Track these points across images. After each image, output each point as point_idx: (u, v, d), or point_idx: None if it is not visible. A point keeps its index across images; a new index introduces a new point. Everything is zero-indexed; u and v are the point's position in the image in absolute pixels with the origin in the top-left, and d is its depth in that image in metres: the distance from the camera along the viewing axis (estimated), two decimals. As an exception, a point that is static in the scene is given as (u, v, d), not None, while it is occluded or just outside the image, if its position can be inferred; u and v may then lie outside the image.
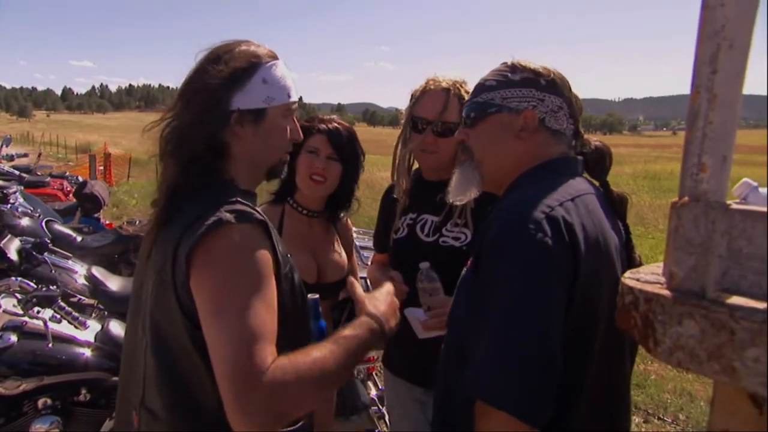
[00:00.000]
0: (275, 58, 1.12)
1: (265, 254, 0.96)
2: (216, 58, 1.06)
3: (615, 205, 1.09)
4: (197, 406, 0.97)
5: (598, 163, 1.12)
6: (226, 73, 1.04)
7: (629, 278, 0.75)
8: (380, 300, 1.13)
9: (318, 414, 1.68)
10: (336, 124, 1.70)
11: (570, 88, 1.09)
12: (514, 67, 1.09)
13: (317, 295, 1.33)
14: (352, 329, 1.01)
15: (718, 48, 0.62)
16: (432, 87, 1.60)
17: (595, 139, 1.15)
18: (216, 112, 1.03)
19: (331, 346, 0.94)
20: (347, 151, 1.70)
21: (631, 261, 1.05)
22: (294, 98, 1.13)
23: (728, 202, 0.65)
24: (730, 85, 0.62)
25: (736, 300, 0.61)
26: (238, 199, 1.01)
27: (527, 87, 1.06)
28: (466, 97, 1.58)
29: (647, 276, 0.75)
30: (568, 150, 1.09)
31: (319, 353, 0.91)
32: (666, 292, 0.67)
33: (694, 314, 0.62)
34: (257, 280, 0.93)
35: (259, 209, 1.05)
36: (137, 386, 1.04)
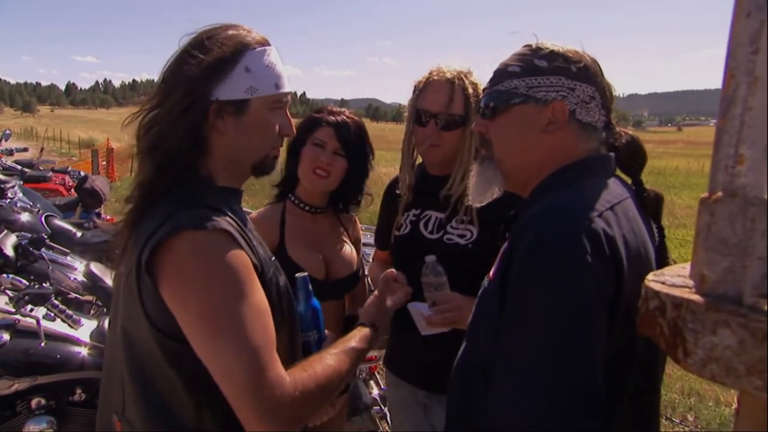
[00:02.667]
0: (264, 44, 1.02)
1: (238, 255, 0.90)
2: (199, 44, 0.98)
3: (648, 205, 1.00)
4: (173, 418, 0.92)
5: (633, 159, 1.02)
6: (207, 63, 0.95)
7: (653, 281, 0.68)
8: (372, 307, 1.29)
9: (331, 418, 1.63)
10: (345, 117, 1.62)
11: (602, 73, 0.98)
12: (540, 51, 0.97)
13: (305, 273, 1.28)
14: (357, 341, 1.10)
15: (761, 25, 0.55)
16: (436, 78, 1.52)
17: (626, 131, 1.05)
18: (194, 105, 0.95)
19: (340, 356, 1.02)
20: (354, 147, 1.62)
21: (665, 265, 0.97)
22: (284, 89, 1.03)
23: (768, 197, 0.59)
24: (775, 66, 0.55)
25: (777, 307, 0.55)
26: (209, 203, 0.94)
27: (556, 74, 0.95)
28: (471, 89, 1.51)
29: (673, 279, 0.69)
30: (600, 145, 0.99)
31: (332, 362, 0.99)
32: (697, 297, 0.60)
33: (731, 322, 0.56)
34: (240, 285, 0.88)
35: (233, 214, 0.97)
36: (118, 395, 0.99)
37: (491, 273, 0.95)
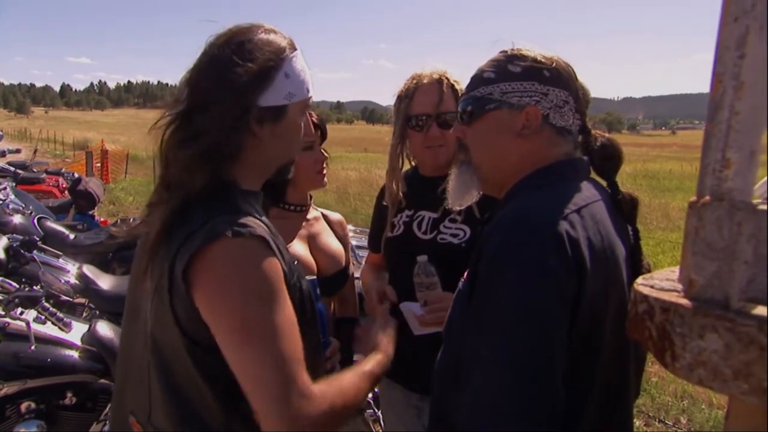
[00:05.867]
0: (294, 48, 1.02)
1: (273, 265, 0.90)
2: (238, 48, 0.95)
3: (624, 208, 1.00)
4: (202, 425, 0.92)
5: (606, 161, 1.03)
6: (255, 70, 0.94)
7: (642, 285, 0.69)
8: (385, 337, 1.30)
9: None
10: (316, 116, 1.66)
11: (575, 77, 1.00)
12: (513, 57, 0.99)
13: (314, 277, 1.28)
14: (373, 365, 1.11)
15: (747, 30, 0.55)
16: (425, 81, 1.55)
17: (602, 134, 1.05)
18: (241, 113, 0.94)
19: (360, 376, 1.03)
20: (324, 137, 1.67)
21: (638, 268, 0.97)
22: (312, 92, 1.04)
23: (754, 201, 0.59)
24: (761, 71, 0.56)
25: (764, 311, 0.55)
26: (241, 207, 0.94)
27: (529, 80, 0.97)
28: (456, 86, 1.53)
29: (662, 282, 0.69)
30: (574, 148, 1.01)
31: (355, 380, 1.00)
32: (685, 302, 0.60)
33: (718, 327, 0.56)
34: (275, 297, 0.88)
35: (258, 216, 0.97)
36: (143, 402, 0.98)
37: (465, 275, 0.96)
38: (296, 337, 0.89)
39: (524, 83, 0.97)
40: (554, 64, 0.98)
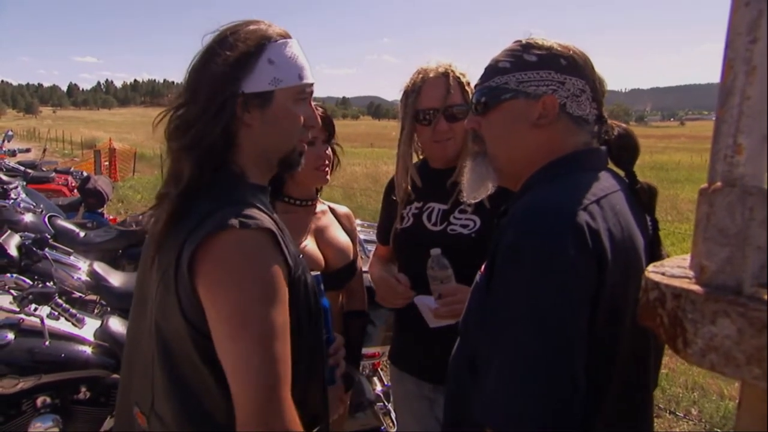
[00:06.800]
0: (286, 37, 1.03)
1: (274, 264, 0.91)
2: (223, 41, 0.99)
3: (642, 198, 0.99)
4: (206, 415, 0.93)
5: (623, 151, 1.01)
6: (232, 58, 0.96)
7: (653, 272, 0.68)
8: None
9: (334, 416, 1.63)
10: (319, 108, 1.67)
11: (593, 67, 0.98)
12: (528, 46, 0.98)
13: (318, 273, 1.29)
14: None
15: (759, 14, 0.55)
16: (431, 75, 1.54)
17: (618, 123, 1.04)
18: (224, 100, 0.96)
19: None
20: (331, 135, 1.67)
21: (657, 258, 0.95)
22: (307, 80, 1.04)
23: (767, 187, 0.59)
24: (773, 55, 0.55)
25: (777, 296, 0.55)
26: (248, 199, 0.95)
27: (545, 68, 0.95)
28: (461, 78, 1.53)
29: (673, 269, 0.69)
30: (591, 138, 0.99)
31: None
32: (696, 288, 0.60)
33: (730, 312, 0.56)
34: (275, 295, 0.89)
35: (268, 210, 0.98)
36: (146, 392, 0.99)
37: (482, 268, 0.95)
38: (288, 342, 0.89)
39: (541, 72, 0.95)
40: (571, 53, 0.97)
